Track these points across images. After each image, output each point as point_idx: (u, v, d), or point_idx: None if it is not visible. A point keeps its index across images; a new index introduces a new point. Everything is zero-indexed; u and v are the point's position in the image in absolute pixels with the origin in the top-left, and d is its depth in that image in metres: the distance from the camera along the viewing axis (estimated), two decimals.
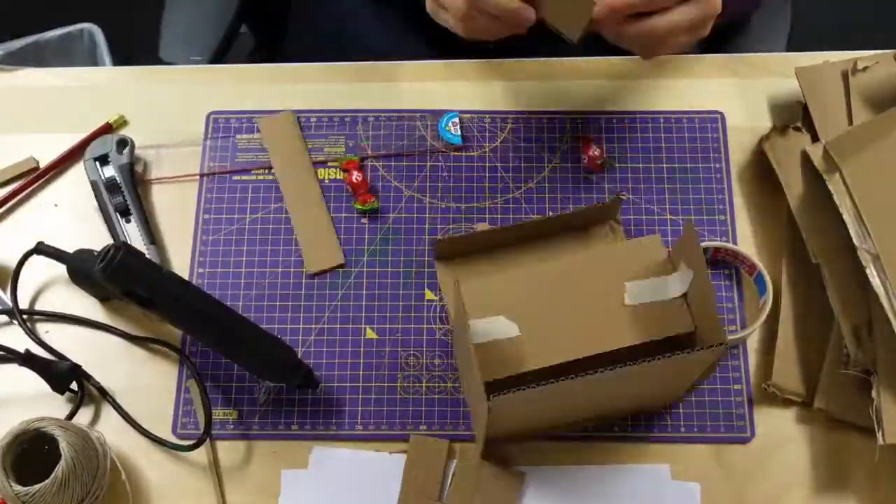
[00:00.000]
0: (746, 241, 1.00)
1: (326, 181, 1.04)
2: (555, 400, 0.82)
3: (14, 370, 0.93)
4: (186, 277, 1.00)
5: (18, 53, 1.66)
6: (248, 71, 1.11)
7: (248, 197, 1.03)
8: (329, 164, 1.04)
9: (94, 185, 1.02)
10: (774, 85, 1.07)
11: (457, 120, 1.05)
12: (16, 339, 0.96)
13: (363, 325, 0.98)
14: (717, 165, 1.03)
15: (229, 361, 0.95)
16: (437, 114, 1.06)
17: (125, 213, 1.01)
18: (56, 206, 1.03)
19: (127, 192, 1.01)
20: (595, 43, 0.94)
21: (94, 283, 0.96)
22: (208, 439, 0.93)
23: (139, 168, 1.04)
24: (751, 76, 1.08)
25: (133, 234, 1.01)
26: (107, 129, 1.06)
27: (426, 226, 1.02)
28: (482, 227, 1.01)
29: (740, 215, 1.01)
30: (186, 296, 0.86)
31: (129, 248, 0.81)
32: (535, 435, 0.93)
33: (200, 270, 1.00)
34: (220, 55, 1.28)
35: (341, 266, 1.00)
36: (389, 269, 1.00)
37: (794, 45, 1.26)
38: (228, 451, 0.94)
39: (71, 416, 0.94)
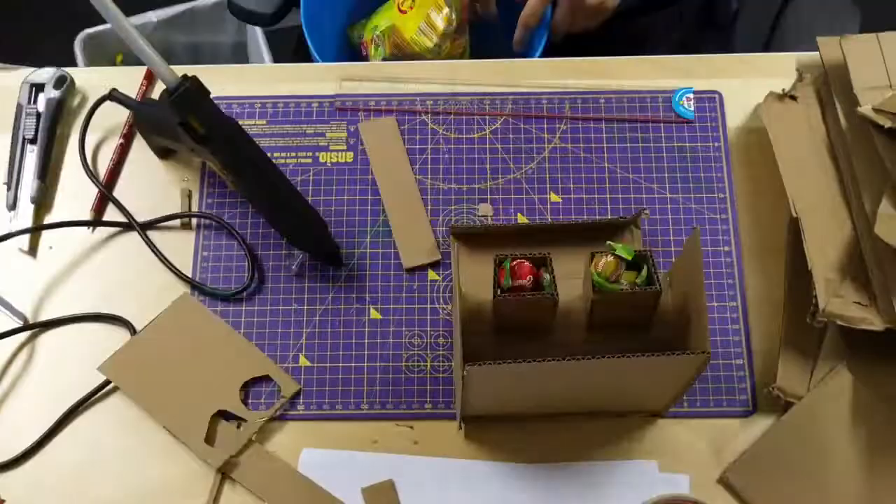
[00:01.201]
0: (746, 221, 1.01)
1: (329, 164, 1.05)
2: (531, 381, 0.82)
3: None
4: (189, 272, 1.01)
5: (172, 21, 1.65)
6: (249, 71, 1.12)
7: None
8: (331, 148, 1.05)
9: (18, 106, 1.07)
10: (763, 84, 1.06)
11: (691, 95, 1.06)
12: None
13: (367, 306, 0.99)
14: (716, 144, 1.04)
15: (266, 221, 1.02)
16: (441, 97, 1.07)
17: (32, 142, 1.05)
18: None
19: (42, 122, 1.05)
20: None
21: (158, 132, 1.01)
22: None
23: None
24: (750, 74, 1.08)
25: (29, 163, 1.05)
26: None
27: (428, 207, 1.02)
28: (485, 207, 1.02)
29: (740, 194, 1.02)
30: (239, 140, 0.92)
31: (197, 82, 0.87)
32: (514, 417, 0.93)
33: (204, 253, 1.01)
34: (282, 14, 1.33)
35: (437, 262, 1.00)
36: (393, 250, 1.01)
37: None
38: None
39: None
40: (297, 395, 0.95)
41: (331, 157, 1.05)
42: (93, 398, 0.95)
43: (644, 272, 0.83)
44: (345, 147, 1.05)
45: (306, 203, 0.96)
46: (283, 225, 0.99)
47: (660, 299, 0.85)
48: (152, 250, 1.01)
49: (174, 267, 1.00)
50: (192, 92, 0.86)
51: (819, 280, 0.89)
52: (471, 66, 1.09)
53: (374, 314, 0.98)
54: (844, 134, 0.97)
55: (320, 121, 1.07)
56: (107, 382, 0.95)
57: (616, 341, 0.87)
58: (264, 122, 1.07)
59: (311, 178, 1.04)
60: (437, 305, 0.98)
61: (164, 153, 1.06)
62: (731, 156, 1.04)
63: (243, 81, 1.09)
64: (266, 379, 0.96)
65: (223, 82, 1.08)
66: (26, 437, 0.94)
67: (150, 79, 1.09)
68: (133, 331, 0.97)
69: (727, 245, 1.00)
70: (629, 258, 0.83)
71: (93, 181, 1.03)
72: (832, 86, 0.99)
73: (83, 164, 1.04)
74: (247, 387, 0.95)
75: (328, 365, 0.96)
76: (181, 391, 0.95)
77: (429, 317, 0.98)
